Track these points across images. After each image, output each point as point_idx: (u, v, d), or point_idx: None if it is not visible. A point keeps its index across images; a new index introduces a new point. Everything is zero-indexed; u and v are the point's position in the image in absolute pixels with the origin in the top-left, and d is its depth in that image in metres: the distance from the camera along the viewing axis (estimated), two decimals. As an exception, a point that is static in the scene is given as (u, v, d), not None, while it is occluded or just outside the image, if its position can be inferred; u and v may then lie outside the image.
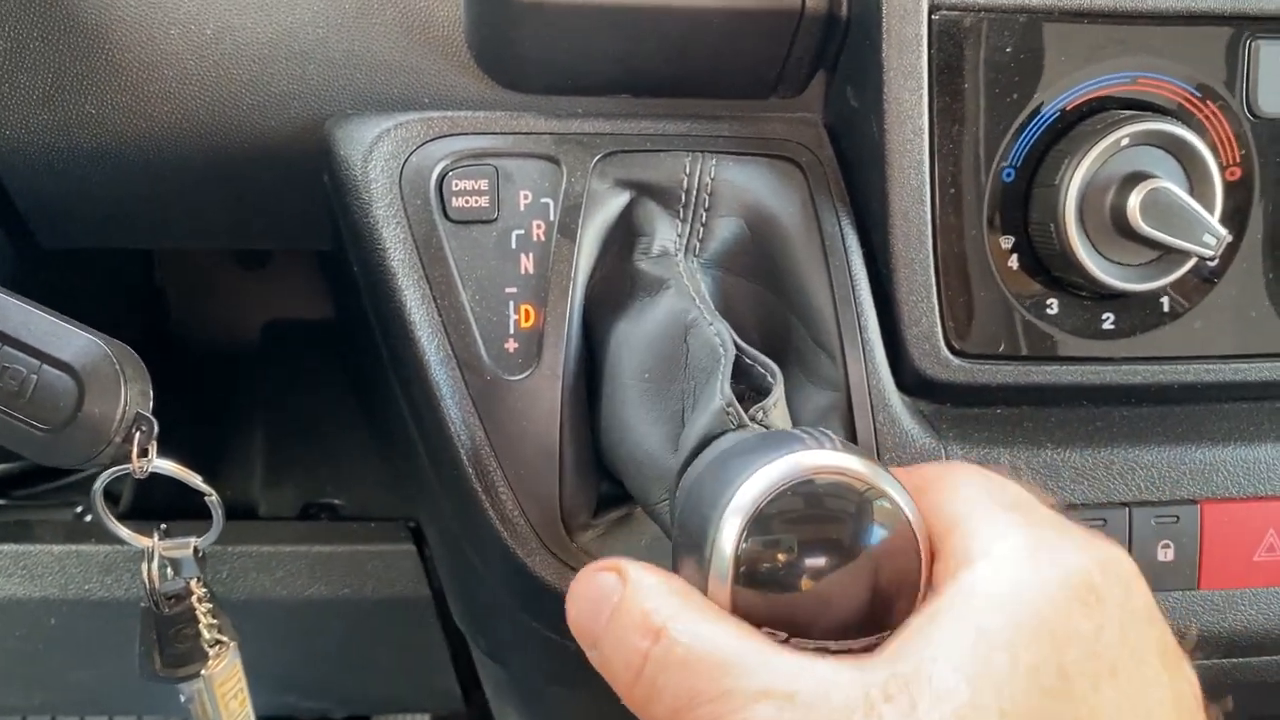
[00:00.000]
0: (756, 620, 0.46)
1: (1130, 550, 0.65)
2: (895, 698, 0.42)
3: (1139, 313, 0.67)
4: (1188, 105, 0.65)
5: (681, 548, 0.50)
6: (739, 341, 0.58)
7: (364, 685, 0.97)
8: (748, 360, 0.57)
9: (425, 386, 0.64)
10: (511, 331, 0.64)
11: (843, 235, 0.66)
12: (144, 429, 0.60)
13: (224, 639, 0.70)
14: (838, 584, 0.46)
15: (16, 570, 0.86)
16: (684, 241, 0.66)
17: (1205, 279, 0.67)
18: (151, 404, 0.61)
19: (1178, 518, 0.67)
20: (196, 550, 0.68)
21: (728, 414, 0.53)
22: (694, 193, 0.66)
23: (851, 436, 0.65)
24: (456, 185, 0.64)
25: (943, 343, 0.66)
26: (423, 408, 0.65)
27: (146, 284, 1.08)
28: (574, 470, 0.64)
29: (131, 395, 0.59)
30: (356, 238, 0.65)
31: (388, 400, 0.72)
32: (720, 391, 0.54)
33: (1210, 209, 0.63)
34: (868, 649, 0.47)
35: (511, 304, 0.64)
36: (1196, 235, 0.62)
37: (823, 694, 0.43)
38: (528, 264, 0.64)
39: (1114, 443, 0.67)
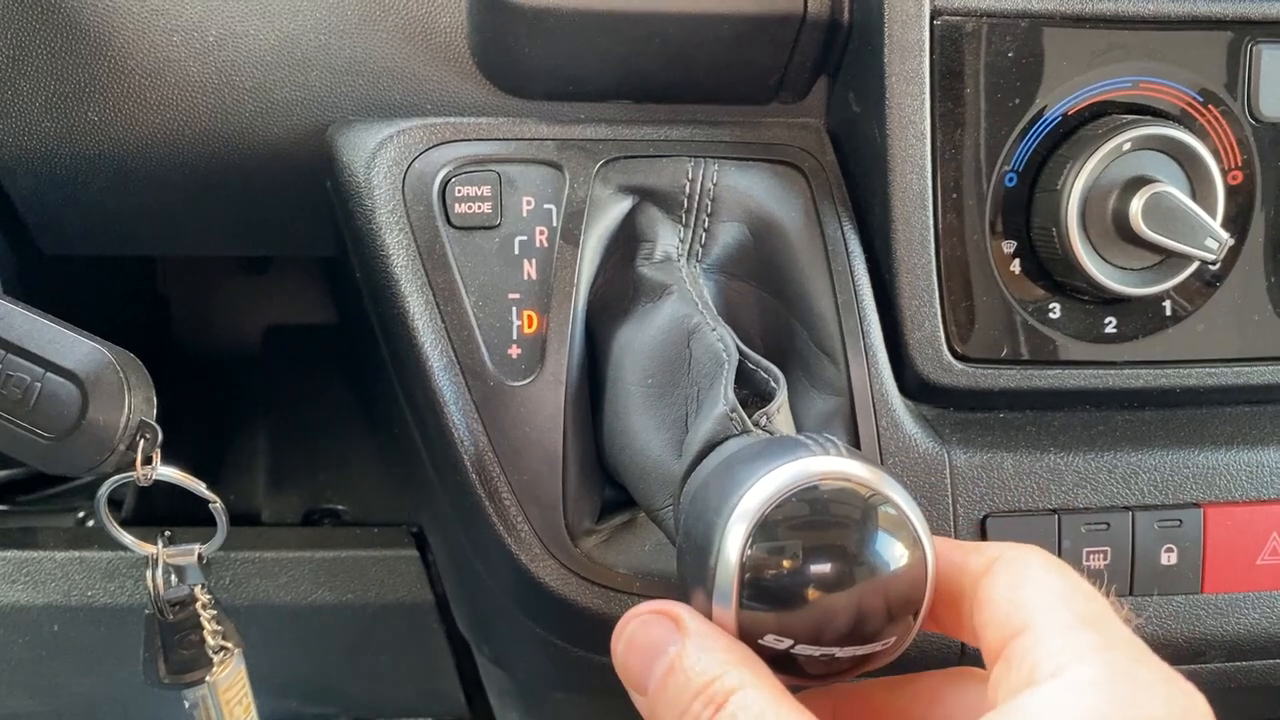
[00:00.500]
0: (762, 628, 0.46)
1: (1133, 554, 0.66)
2: None
3: (1141, 317, 0.67)
4: (1189, 110, 0.65)
5: (686, 554, 0.50)
6: (742, 346, 0.58)
7: (367, 691, 0.97)
8: (751, 365, 0.58)
9: (428, 392, 0.64)
10: (514, 337, 0.64)
11: (845, 240, 0.66)
12: (148, 436, 0.60)
13: (228, 645, 0.70)
14: (844, 590, 0.46)
15: (19, 577, 0.86)
16: (686, 247, 0.66)
17: (1207, 283, 0.67)
18: (155, 411, 0.61)
19: (1180, 521, 0.67)
20: (201, 557, 0.69)
21: (731, 419, 0.53)
22: (696, 198, 0.66)
23: (854, 441, 0.65)
24: (459, 191, 0.64)
25: (945, 347, 0.66)
26: (426, 413, 0.65)
27: (149, 290, 1.08)
28: (577, 476, 0.64)
29: (135, 403, 0.59)
30: (359, 244, 0.65)
31: (390, 406, 0.73)
32: (724, 397, 0.54)
33: (1212, 213, 0.63)
34: (873, 655, 0.47)
35: (514, 310, 0.64)
36: (1198, 239, 0.62)
37: None
38: (531, 270, 0.64)
39: (1117, 446, 0.67)
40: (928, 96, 0.64)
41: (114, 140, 0.67)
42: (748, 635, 0.47)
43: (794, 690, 0.46)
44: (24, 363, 0.58)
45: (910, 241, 0.65)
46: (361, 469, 0.98)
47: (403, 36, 0.66)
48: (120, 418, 0.59)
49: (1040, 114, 0.64)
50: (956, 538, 0.64)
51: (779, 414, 0.55)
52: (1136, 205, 0.62)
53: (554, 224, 0.65)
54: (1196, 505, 0.67)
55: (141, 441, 0.60)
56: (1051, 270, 0.65)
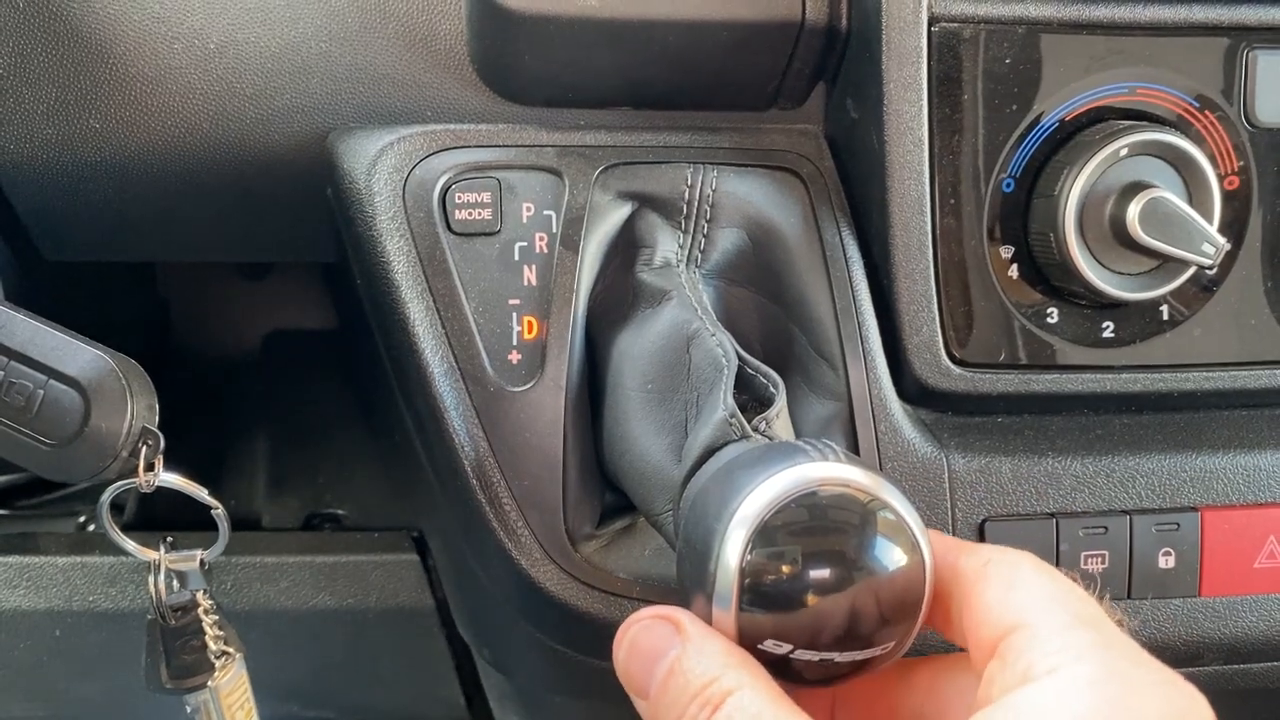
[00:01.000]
0: (761, 633, 0.46)
1: (1131, 558, 0.66)
2: None
3: (1138, 321, 0.67)
4: (1186, 115, 0.65)
5: (686, 559, 0.50)
6: (741, 352, 0.58)
7: (368, 695, 0.97)
8: (750, 370, 0.58)
9: (429, 398, 0.64)
10: (515, 343, 0.64)
11: (844, 245, 0.67)
12: (150, 443, 0.60)
13: (230, 650, 0.70)
14: (843, 595, 0.46)
15: (21, 582, 0.86)
16: (686, 253, 0.67)
17: (1204, 287, 0.67)
18: (157, 418, 0.61)
19: (1178, 525, 0.67)
20: (202, 562, 0.69)
21: (731, 424, 0.53)
22: (695, 204, 0.66)
23: (853, 445, 0.65)
24: (459, 198, 0.65)
25: (943, 352, 0.66)
26: (426, 419, 0.65)
27: (150, 296, 1.08)
28: (577, 481, 0.64)
29: (137, 410, 0.60)
30: (360, 250, 0.65)
31: (391, 411, 0.73)
32: (723, 402, 0.54)
33: (1209, 218, 0.64)
34: (871, 659, 0.47)
35: (515, 316, 0.64)
36: (1195, 244, 0.62)
37: None
38: (531, 276, 0.65)
39: (1114, 450, 0.67)
40: (925, 102, 0.64)
41: (115, 147, 0.67)
42: (747, 640, 0.47)
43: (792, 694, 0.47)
44: (27, 370, 0.58)
45: (908, 247, 0.65)
46: (362, 474, 0.98)
47: (403, 44, 0.66)
48: (123, 424, 0.59)
49: (1038, 120, 0.65)
50: (955, 542, 0.65)
51: (778, 419, 0.55)
52: (1133, 211, 0.62)
53: (554, 230, 0.65)
54: (1194, 509, 0.67)
55: (144, 448, 0.60)
56: (1049, 275, 0.66)
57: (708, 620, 0.48)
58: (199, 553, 0.69)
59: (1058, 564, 0.60)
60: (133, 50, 0.65)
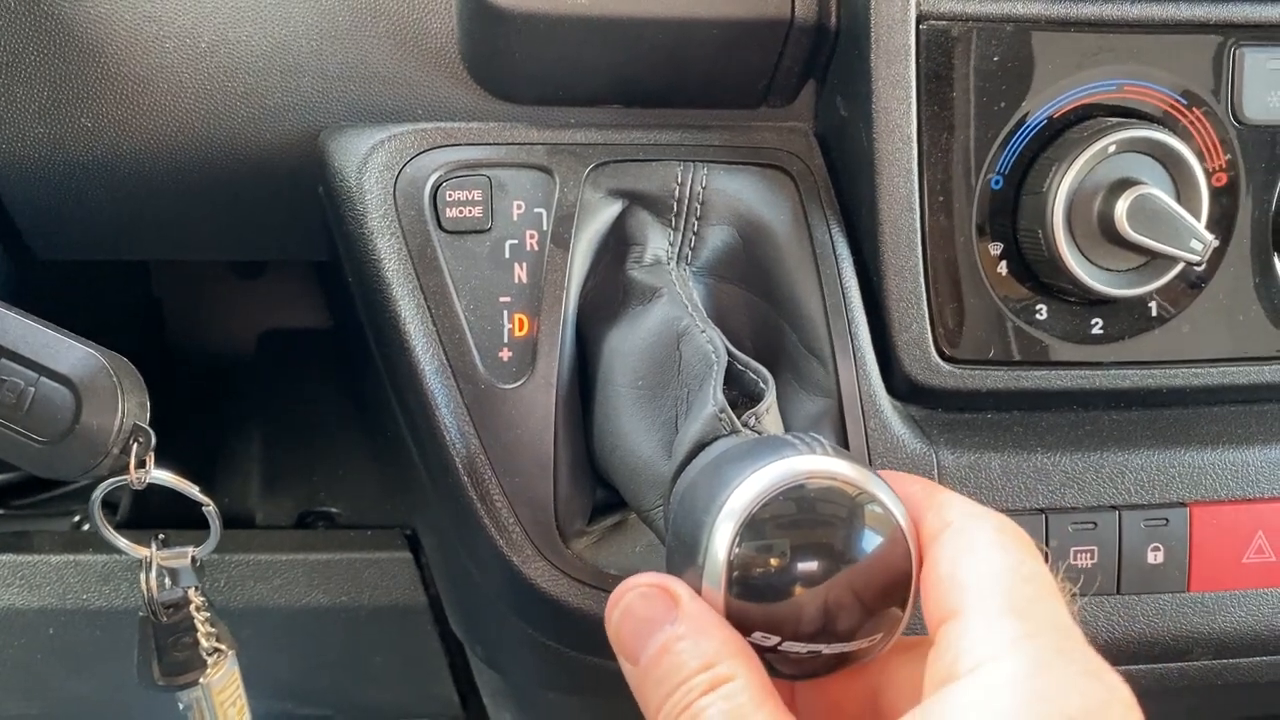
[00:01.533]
0: (750, 624, 0.47)
1: (1120, 553, 0.66)
2: None
3: (1127, 318, 0.67)
4: (1173, 112, 0.66)
5: (675, 553, 0.50)
6: (731, 348, 0.59)
7: (361, 692, 0.97)
8: (740, 366, 0.58)
9: (420, 395, 0.64)
10: (505, 340, 0.64)
11: (833, 243, 0.67)
12: (141, 440, 0.61)
13: (222, 647, 0.70)
14: (830, 588, 0.46)
15: (15, 580, 0.86)
16: (676, 250, 0.67)
17: (1192, 284, 0.68)
18: (149, 415, 0.61)
19: (1167, 520, 0.67)
20: (194, 560, 0.69)
21: (720, 420, 0.54)
22: (686, 202, 0.67)
23: (843, 442, 0.65)
24: (450, 196, 0.65)
25: (933, 348, 0.66)
26: (418, 416, 0.65)
27: (143, 295, 1.08)
28: (568, 477, 0.64)
29: (129, 407, 0.60)
30: (351, 249, 0.66)
31: (383, 409, 0.73)
32: (713, 398, 0.55)
33: (1197, 215, 0.64)
34: (858, 651, 0.48)
35: (505, 313, 0.65)
36: (1183, 241, 0.62)
37: None
38: (521, 273, 0.65)
39: (1103, 446, 0.68)
40: (914, 100, 0.64)
41: (107, 146, 0.67)
42: (735, 632, 0.47)
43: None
44: (18, 367, 0.59)
45: (898, 244, 0.65)
46: (355, 472, 0.98)
47: (394, 42, 0.66)
48: (114, 422, 0.59)
49: (1026, 117, 0.65)
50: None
51: (768, 414, 0.56)
52: (1121, 207, 0.62)
53: (544, 228, 0.65)
54: (1183, 504, 0.67)
55: (135, 445, 0.61)
56: (1038, 272, 0.66)
57: None
58: (191, 550, 0.69)
59: (1047, 560, 0.60)
60: (124, 49, 0.66)
